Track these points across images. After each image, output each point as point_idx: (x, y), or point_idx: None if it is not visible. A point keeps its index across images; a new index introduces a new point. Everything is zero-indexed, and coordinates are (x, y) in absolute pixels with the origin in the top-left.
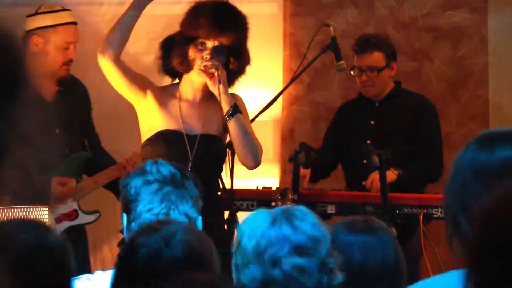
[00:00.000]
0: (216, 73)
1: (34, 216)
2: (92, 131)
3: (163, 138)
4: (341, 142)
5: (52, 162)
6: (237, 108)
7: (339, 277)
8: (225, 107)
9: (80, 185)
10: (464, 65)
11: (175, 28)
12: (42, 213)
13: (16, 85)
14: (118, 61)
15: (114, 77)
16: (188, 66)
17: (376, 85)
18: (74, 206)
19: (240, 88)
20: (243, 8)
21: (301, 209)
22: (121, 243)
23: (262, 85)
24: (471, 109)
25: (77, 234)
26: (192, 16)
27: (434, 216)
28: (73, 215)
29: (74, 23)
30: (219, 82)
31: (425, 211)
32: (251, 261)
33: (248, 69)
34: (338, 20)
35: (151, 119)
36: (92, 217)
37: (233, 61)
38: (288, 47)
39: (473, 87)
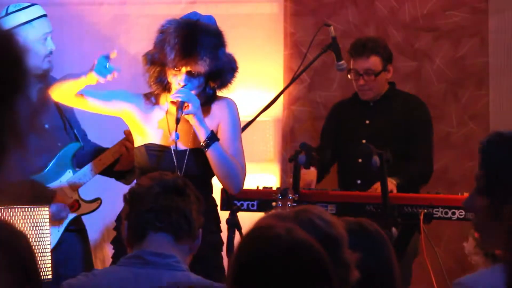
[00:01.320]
0: (180, 114)
1: (35, 216)
2: (78, 125)
3: (149, 152)
4: (336, 141)
5: (46, 157)
6: (213, 137)
7: (356, 274)
8: (201, 138)
9: (77, 175)
10: (465, 65)
11: None
12: (43, 213)
13: (15, 87)
14: (84, 97)
15: (86, 108)
16: (166, 89)
17: (373, 89)
18: (75, 196)
19: (240, 88)
20: (243, 8)
21: (318, 208)
22: (115, 240)
23: (263, 85)
24: (471, 109)
25: (78, 228)
26: (160, 44)
27: (434, 216)
28: (75, 205)
29: (45, 15)
30: (177, 122)
31: (425, 211)
32: None
33: (249, 69)
34: (338, 20)
35: (139, 131)
36: (94, 205)
37: (211, 81)
38: (288, 47)
39: (474, 87)
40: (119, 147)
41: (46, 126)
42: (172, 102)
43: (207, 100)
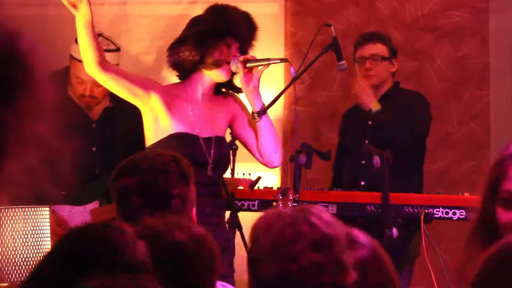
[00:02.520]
0: (257, 68)
1: (35, 216)
2: (139, 149)
3: (177, 141)
4: (342, 143)
5: (79, 179)
6: (264, 108)
7: (354, 275)
8: (256, 106)
9: (102, 209)
10: (465, 65)
11: (177, 28)
12: (43, 213)
13: (17, 87)
14: (106, 68)
15: (111, 84)
16: (219, 63)
17: (378, 74)
18: None
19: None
20: (243, 7)
21: (317, 207)
22: None
23: (263, 85)
24: (472, 109)
25: None
26: (225, 14)
27: (435, 216)
28: None
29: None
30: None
31: (426, 211)
32: (268, 256)
33: None
34: (339, 20)
35: (160, 121)
36: None
37: None
38: (289, 47)
39: (474, 87)
40: None
41: (94, 149)
42: (241, 64)
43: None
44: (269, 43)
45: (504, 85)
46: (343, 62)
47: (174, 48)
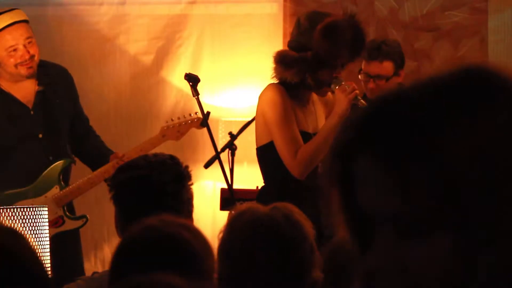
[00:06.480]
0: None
1: (34, 216)
2: (81, 121)
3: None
4: None
5: (35, 169)
6: None
7: (317, 275)
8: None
9: (64, 192)
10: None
11: (176, 28)
12: (42, 213)
13: None
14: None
15: None
16: (321, 85)
17: (382, 90)
18: (60, 212)
19: (240, 87)
20: (242, 8)
21: (291, 208)
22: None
23: (262, 85)
24: None
25: (69, 237)
26: (333, 45)
27: None
28: (59, 221)
29: (16, 22)
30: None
31: None
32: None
33: (249, 69)
34: None
35: None
36: (78, 223)
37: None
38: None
39: None
40: (111, 168)
41: (40, 136)
42: (345, 90)
43: None
44: (268, 43)
45: None
46: None
47: (312, 68)
